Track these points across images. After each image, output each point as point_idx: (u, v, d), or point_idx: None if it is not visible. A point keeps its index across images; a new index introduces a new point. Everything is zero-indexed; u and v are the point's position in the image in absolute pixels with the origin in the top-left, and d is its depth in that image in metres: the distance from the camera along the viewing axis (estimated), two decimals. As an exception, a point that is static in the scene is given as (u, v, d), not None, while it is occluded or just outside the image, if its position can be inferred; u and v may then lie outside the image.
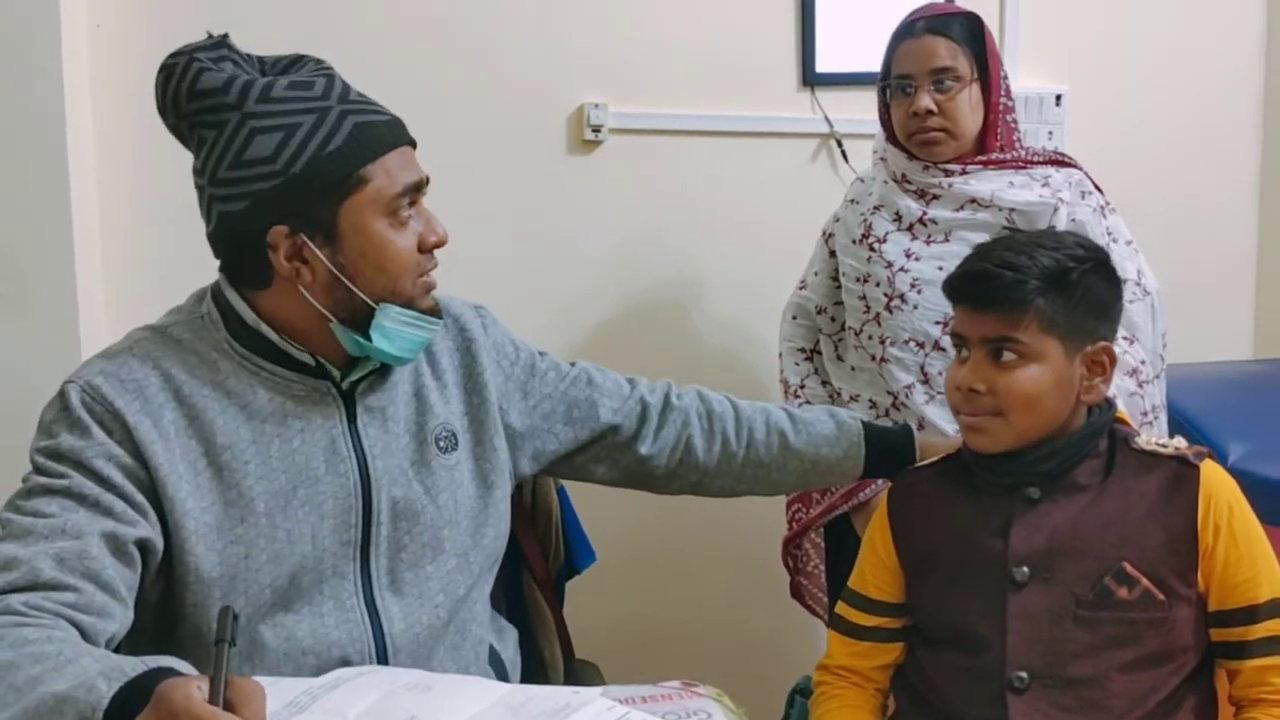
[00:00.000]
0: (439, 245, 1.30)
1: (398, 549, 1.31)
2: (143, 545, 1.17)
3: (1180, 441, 1.31)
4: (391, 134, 1.25)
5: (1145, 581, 1.23)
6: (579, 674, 1.58)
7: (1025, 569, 1.26)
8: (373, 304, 1.25)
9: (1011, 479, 1.30)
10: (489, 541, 1.38)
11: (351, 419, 1.30)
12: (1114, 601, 1.24)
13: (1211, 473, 1.27)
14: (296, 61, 1.29)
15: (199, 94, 1.21)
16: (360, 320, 1.25)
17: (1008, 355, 1.26)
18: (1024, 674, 1.24)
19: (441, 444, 1.35)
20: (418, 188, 1.27)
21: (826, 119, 2.51)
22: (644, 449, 1.50)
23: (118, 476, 1.18)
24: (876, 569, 1.39)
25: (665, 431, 1.51)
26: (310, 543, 1.26)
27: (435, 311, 1.31)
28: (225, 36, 1.27)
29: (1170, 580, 1.24)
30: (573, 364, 1.52)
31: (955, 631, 1.30)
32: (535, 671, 1.56)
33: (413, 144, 1.29)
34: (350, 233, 1.23)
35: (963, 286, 1.31)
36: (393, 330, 1.26)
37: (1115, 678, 1.23)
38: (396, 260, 1.25)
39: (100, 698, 0.93)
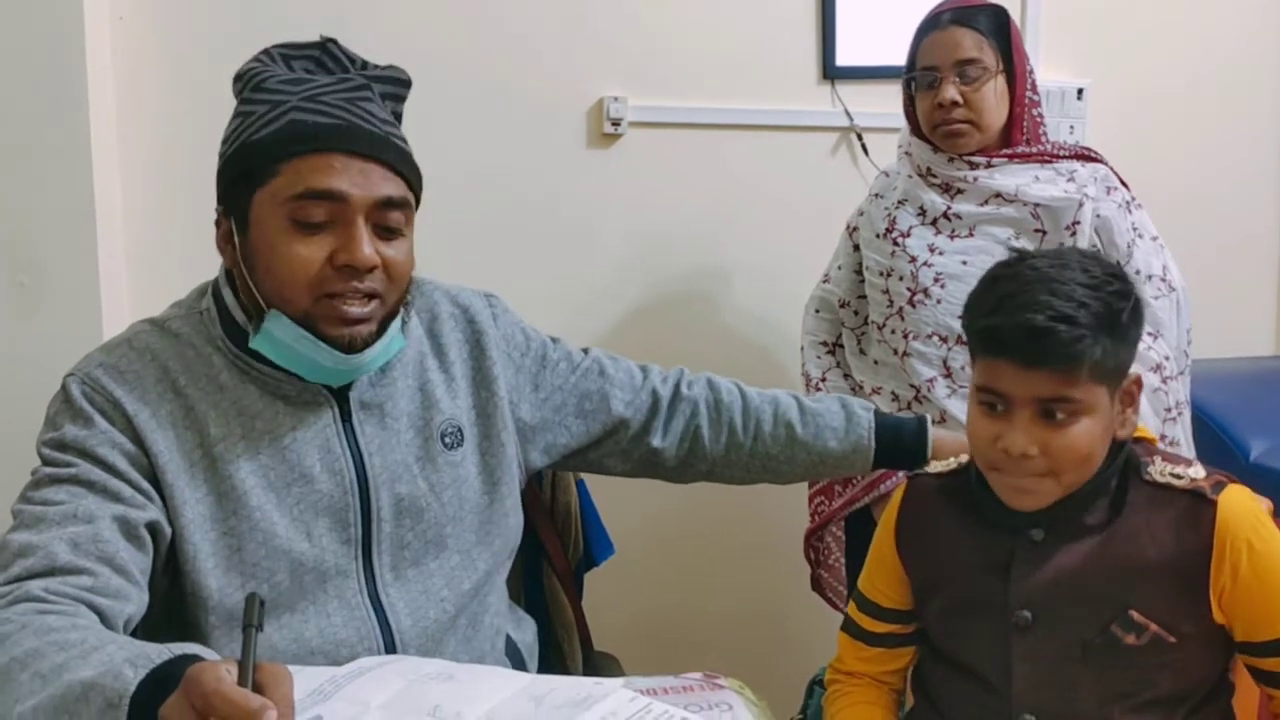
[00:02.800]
0: (350, 267, 1.19)
1: (401, 546, 1.30)
2: (153, 528, 1.19)
3: (1197, 471, 1.20)
4: (325, 136, 1.19)
5: (1154, 627, 1.17)
6: (598, 666, 1.57)
7: (1028, 613, 1.20)
8: (264, 305, 1.22)
9: (1014, 521, 1.22)
10: (494, 538, 1.38)
11: (346, 417, 1.29)
12: (1122, 648, 1.17)
13: (1229, 506, 1.16)
14: (364, 70, 1.28)
15: (233, 80, 1.27)
16: (258, 318, 1.23)
17: (1060, 414, 1.15)
18: (1032, 717, 1.20)
19: (447, 440, 1.34)
20: (327, 195, 1.18)
21: (847, 112, 2.50)
22: (655, 441, 1.49)
23: (123, 463, 1.19)
24: (885, 577, 1.35)
25: (674, 423, 1.50)
26: (306, 540, 1.25)
27: (350, 344, 1.22)
28: (330, 41, 1.29)
29: (1181, 623, 1.17)
30: (585, 351, 1.51)
31: (962, 663, 1.26)
32: (554, 663, 1.56)
33: (365, 155, 1.20)
34: (255, 224, 1.21)
35: (1010, 343, 1.14)
36: (280, 340, 1.22)
37: (1126, 718, 1.18)
38: (284, 264, 1.19)
39: (127, 684, 0.93)
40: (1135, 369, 1.22)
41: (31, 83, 2.02)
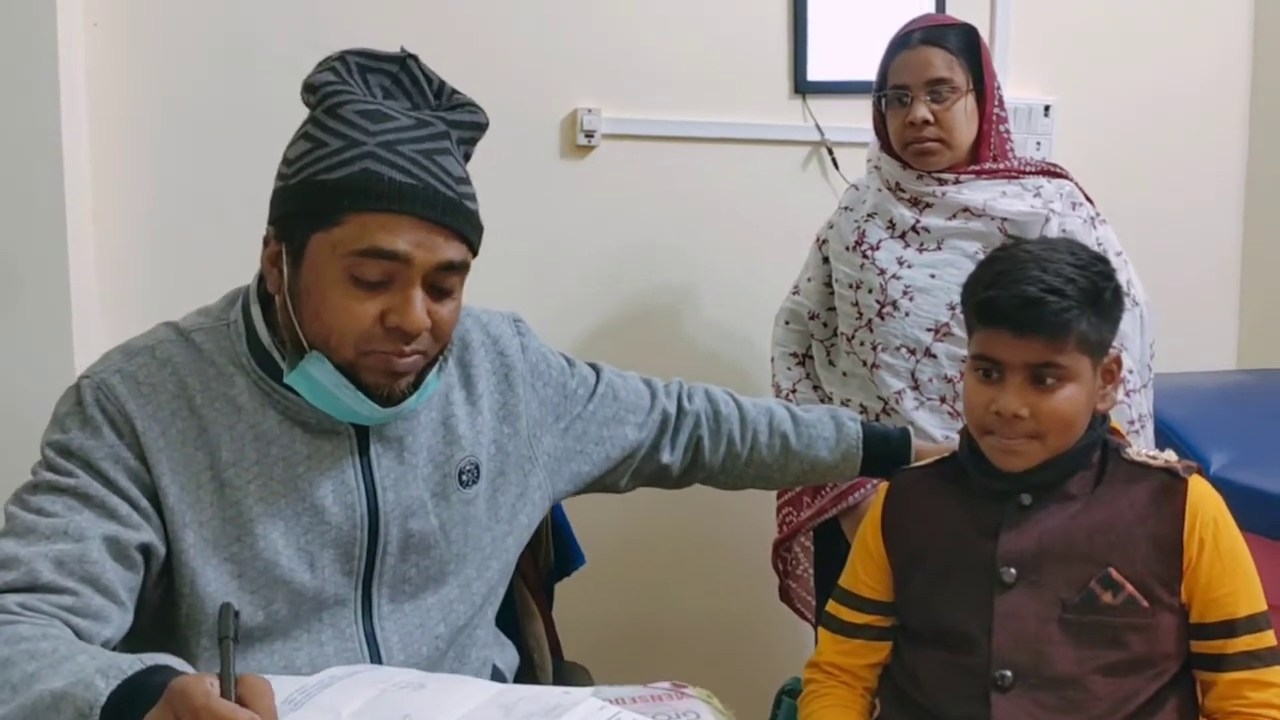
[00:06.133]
0: (400, 330, 1.17)
1: (402, 580, 1.29)
2: (145, 550, 1.17)
3: (1171, 455, 1.32)
4: (399, 197, 1.15)
5: (1130, 587, 1.25)
6: (568, 675, 1.57)
7: (1013, 570, 1.28)
8: (306, 344, 1.19)
9: (1006, 485, 1.32)
10: (493, 573, 1.37)
11: (364, 450, 1.27)
12: (1099, 606, 1.26)
13: (1199, 487, 1.29)
14: (438, 97, 1.24)
15: (304, 86, 1.22)
16: (295, 353, 1.21)
17: (1049, 379, 1.27)
18: (1008, 673, 1.26)
19: (464, 478, 1.32)
20: (390, 256, 1.15)
21: (818, 126, 2.52)
22: (664, 457, 1.53)
23: (124, 480, 1.17)
24: (867, 566, 1.41)
25: (680, 437, 1.54)
26: (309, 572, 1.24)
27: (389, 397, 1.21)
28: (410, 57, 1.24)
29: (1155, 588, 1.26)
30: (594, 368, 1.51)
31: (942, 629, 1.32)
32: (524, 673, 1.55)
33: (435, 222, 1.17)
34: (309, 265, 1.18)
35: (1006, 312, 1.27)
36: (318, 382, 1.19)
37: (1097, 680, 1.24)
38: (335, 315, 1.17)
39: (98, 695, 0.93)
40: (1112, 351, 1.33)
41: (3, 87, 2.01)
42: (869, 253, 1.91)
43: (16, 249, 2.04)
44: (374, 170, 1.15)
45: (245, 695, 0.90)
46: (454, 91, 1.26)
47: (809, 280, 2.06)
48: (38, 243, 2.04)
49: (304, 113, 1.23)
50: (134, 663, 0.97)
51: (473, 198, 1.23)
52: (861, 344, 1.92)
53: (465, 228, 1.21)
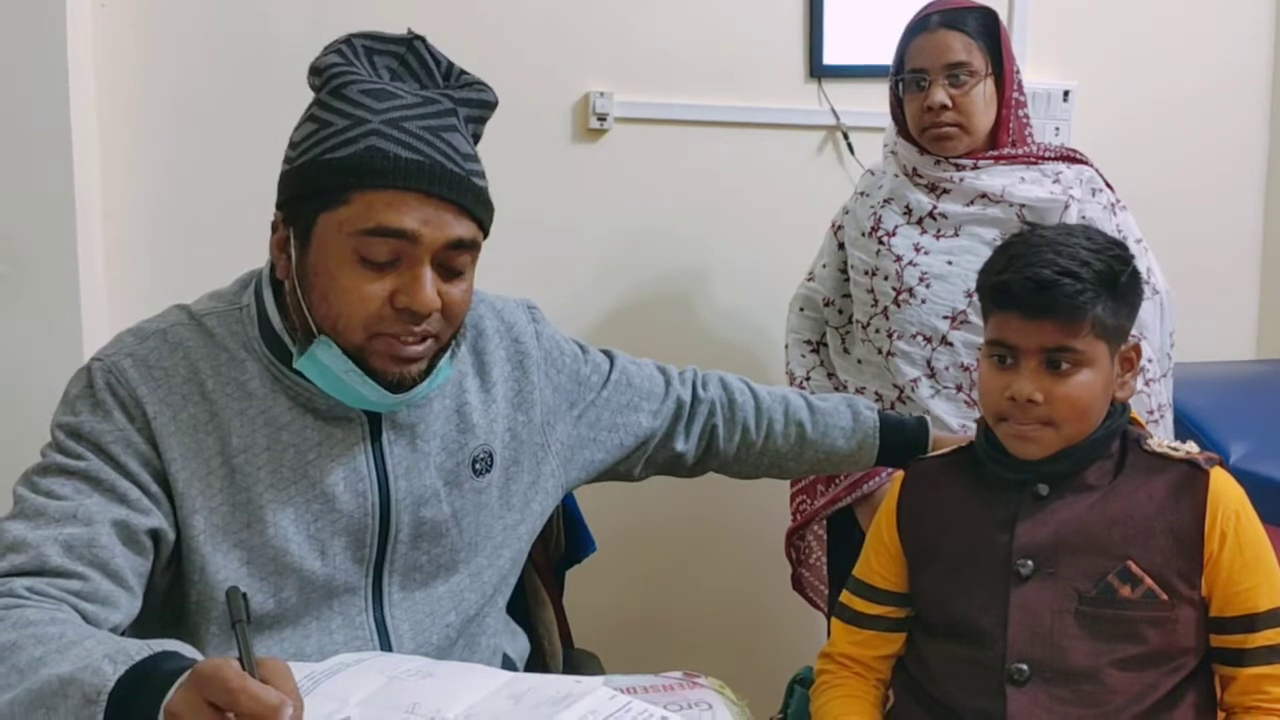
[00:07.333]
0: (410, 311, 1.15)
1: (413, 567, 1.29)
2: (155, 535, 1.16)
3: (1192, 446, 1.30)
4: (405, 174, 1.13)
5: (1149, 581, 1.24)
6: (578, 663, 1.57)
7: (1029, 562, 1.27)
8: (315, 328, 1.18)
9: (1022, 475, 1.30)
10: (504, 561, 1.37)
11: (376, 436, 1.26)
12: (1117, 599, 1.24)
13: (1221, 480, 1.27)
14: (446, 78, 1.23)
15: (310, 69, 1.21)
16: (305, 338, 1.20)
17: (1064, 364, 1.25)
18: (1024, 666, 1.24)
19: (478, 466, 1.32)
20: (398, 234, 1.14)
21: (833, 111, 2.50)
22: (679, 445, 1.52)
23: (134, 465, 1.16)
24: (881, 556, 1.40)
25: (694, 425, 1.53)
26: (320, 559, 1.23)
27: (399, 383, 1.19)
28: (418, 39, 1.23)
29: (1174, 581, 1.24)
30: (608, 355, 1.50)
31: (957, 622, 1.31)
32: (535, 660, 1.55)
33: (442, 198, 1.15)
34: (317, 247, 1.16)
35: (1020, 295, 1.26)
36: (326, 367, 1.18)
37: (1114, 674, 1.23)
38: (343, 297, 1.15)
39: (105, 680, 0.92)
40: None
41: (11, 71, 2.01)
42: (885, 239, 1.89)
43: (24, 236, 2.03)
44: (380, 147, 1.13)
45: (267, 678, 0.89)
46: (463, 72, 1.24)
47: (824, 266, 2.05)
48: (45, 230, 2.04)
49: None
50: (142, 649, 0.96)
51: (481, 175, 1.21)
52: (877, 331, 1.91)
53: (474, 205, 1.19)
